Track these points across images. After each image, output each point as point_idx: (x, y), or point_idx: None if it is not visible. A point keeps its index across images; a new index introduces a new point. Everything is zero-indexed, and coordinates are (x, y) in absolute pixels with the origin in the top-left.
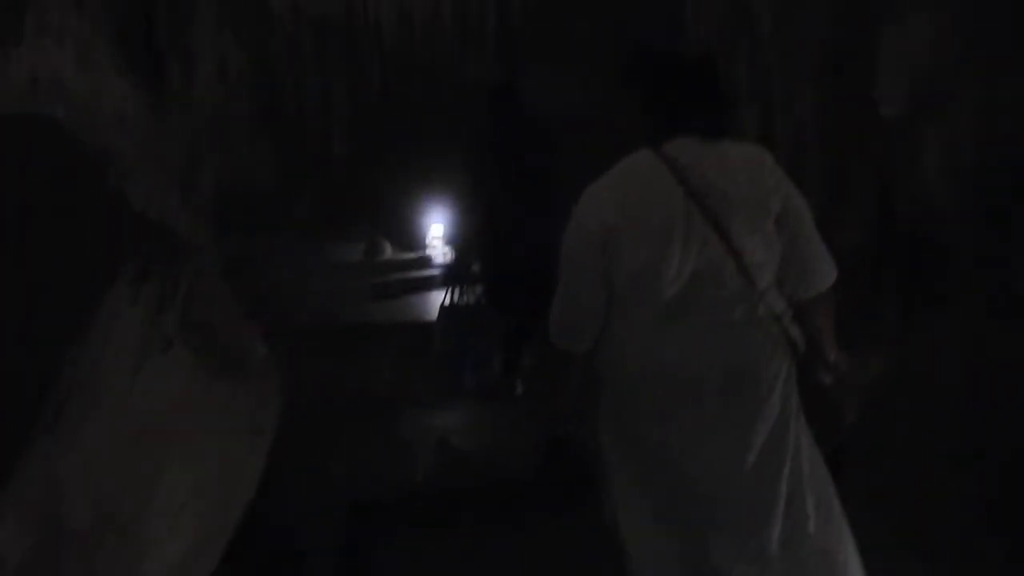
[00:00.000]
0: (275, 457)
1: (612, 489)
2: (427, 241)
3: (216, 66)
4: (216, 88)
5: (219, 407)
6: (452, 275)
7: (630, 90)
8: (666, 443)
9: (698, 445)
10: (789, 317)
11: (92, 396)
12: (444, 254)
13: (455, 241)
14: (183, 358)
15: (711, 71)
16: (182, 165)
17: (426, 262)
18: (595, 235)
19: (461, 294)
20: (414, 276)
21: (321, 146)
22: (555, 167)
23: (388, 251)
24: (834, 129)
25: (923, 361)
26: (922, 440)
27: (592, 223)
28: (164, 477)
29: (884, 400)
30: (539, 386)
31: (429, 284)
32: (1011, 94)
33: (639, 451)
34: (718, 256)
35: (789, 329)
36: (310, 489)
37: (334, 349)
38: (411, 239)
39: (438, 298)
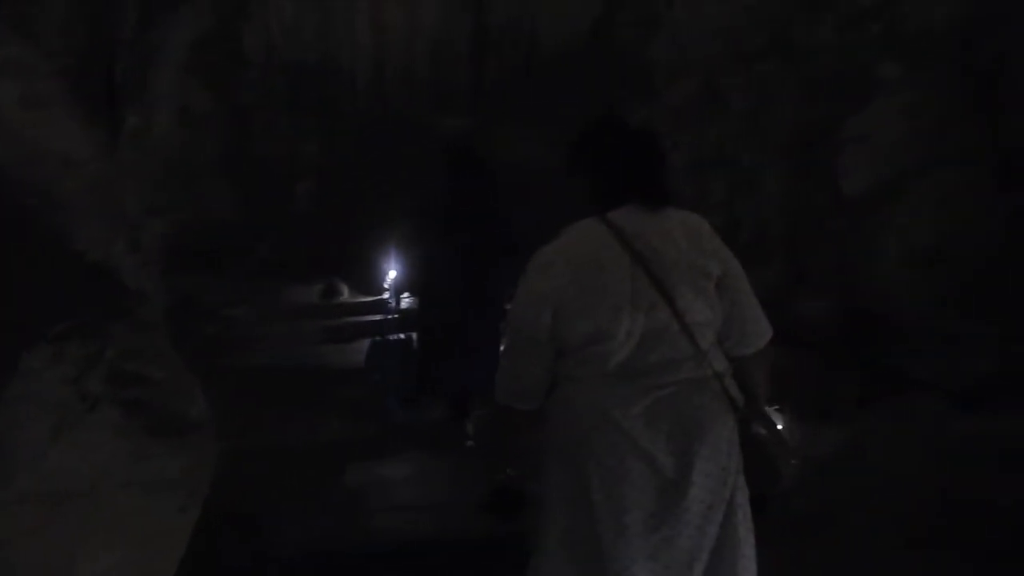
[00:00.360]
0: (214, 506)
1: (540, 542)
2: (385, 286)
3: (178, 109)
4: (175, 131)
5: (148, 467)
6: (388, 312)
7: (577, 161)
8: (613, 499)
9: (646, 499)
10: (730, 376)
11: (6, 462)
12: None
13: (393, 282)
14: (111, 417)
15: (651, 142)
16: (134, 208)
17: (383, 307)
18: (546, 300)
19: (393, 330)
20: (370, 320)
21: (285, 188)
22: (503, 226)
23: (345, 294)
24: (798, 205)
25: (878, 440)
26: (876, 520)
27: (543, 288)
28: (85, 545)
29: (839, 478)
30: (487, 438)
31: (385, 329)
32: (969, 180)
33: (581, 506)
34: (664, 319)
35: (730, 388)
36: (249, 539)
37: (283, 393)
38: (370, 283)
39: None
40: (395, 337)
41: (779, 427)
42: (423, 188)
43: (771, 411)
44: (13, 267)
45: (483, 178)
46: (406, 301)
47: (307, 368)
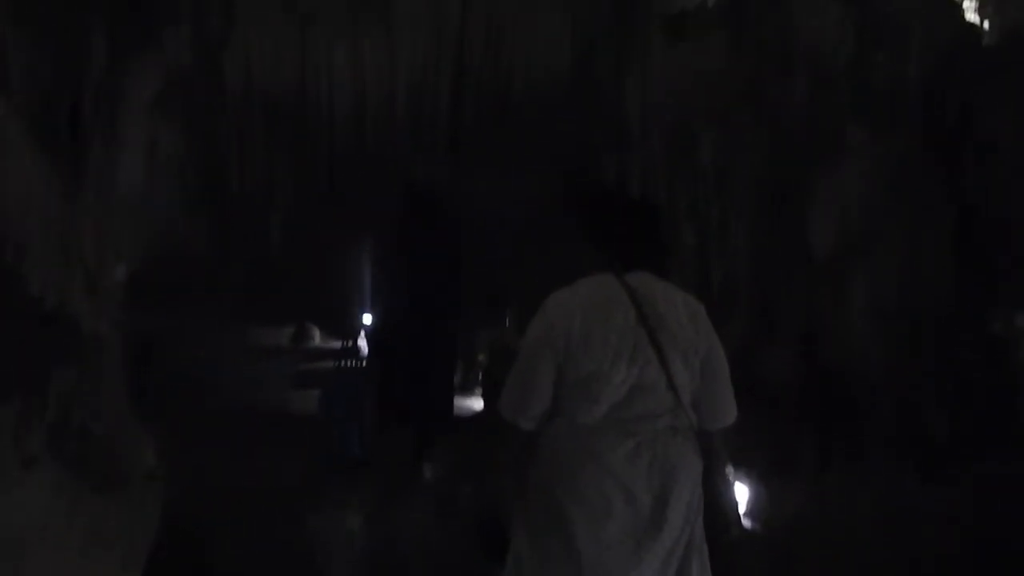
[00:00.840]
0: (163, 555)
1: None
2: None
3: (146, 146)
4: (142, 169)
5: (88, 524)
6: (343, 349)
7: (586, 228)
8: (594, 533)
9: (626, 534)
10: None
11: None
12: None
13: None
14: (50, 474)
15: (656, 216)
16: (95, 250)
17: (352, 350)
18: (560, 333)
19: (349, 367)
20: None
21: (259, 227)
22: (459, 263)
23: (317, 338)
24: (767, 259)
25: (838, 502)
26: None
27: (560, 322)
28: None
29: (801, 537)
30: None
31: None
32: (930, 240)
33: (562, 540)
34: (654, 375)
35: (699, 440)
36: None
37: (246, 436)
38: (342, 327)
39: None
40: (350, 376)
41: (734, 485)
42: (385, 222)
43: (735, 472)
44: None
45: (440, 214)
46: (363, 341)
47: (273, 411)
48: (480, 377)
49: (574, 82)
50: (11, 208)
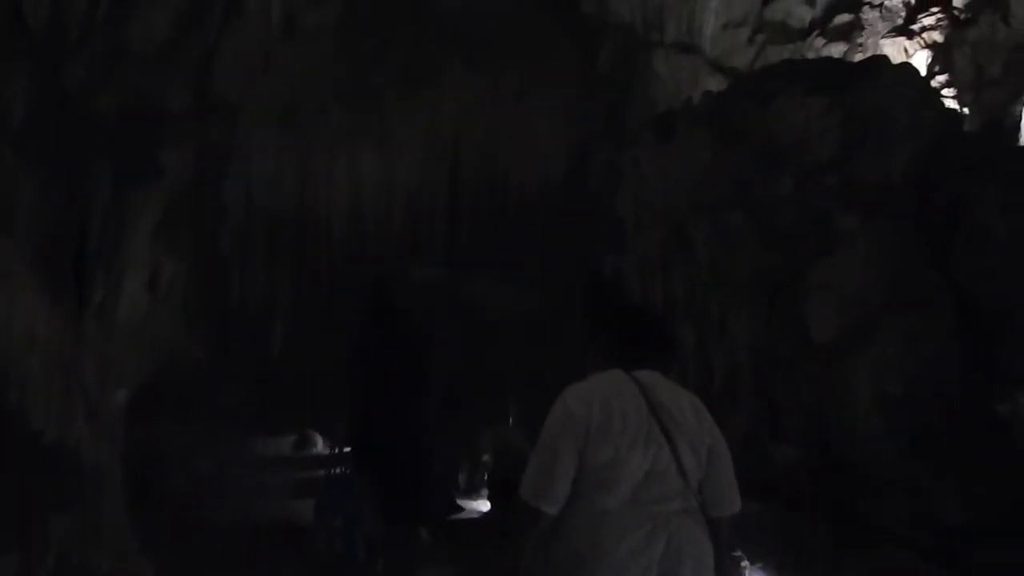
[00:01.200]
0: None
1: None
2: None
3: (148, 276)
4: (144, 297)
5: None
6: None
7: (597, 328)
8: None
9: None
10: None
11: None
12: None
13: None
14: None
15: (663, 323)
16: (96, 380)
17: (347, 458)
18: (580, 421)
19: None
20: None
21: (259, 337)
22: (427, 364)
23: (319, 446)
24: (768, 351)
25: None
26: None
27: (580, 411)
28: None
29: None
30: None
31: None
32: (929, 326)
33: None
34: (666, 460)
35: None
36: None
37: (249, 549)
38: (344, 434)
39: None
40: (344, 482)
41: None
42: (353, 331)
43: (752, 568)
44: None
45: (402, 321)
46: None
47: (275, 521)
48: (486, 478)
49: (567, 185)
50: (18, 344)
